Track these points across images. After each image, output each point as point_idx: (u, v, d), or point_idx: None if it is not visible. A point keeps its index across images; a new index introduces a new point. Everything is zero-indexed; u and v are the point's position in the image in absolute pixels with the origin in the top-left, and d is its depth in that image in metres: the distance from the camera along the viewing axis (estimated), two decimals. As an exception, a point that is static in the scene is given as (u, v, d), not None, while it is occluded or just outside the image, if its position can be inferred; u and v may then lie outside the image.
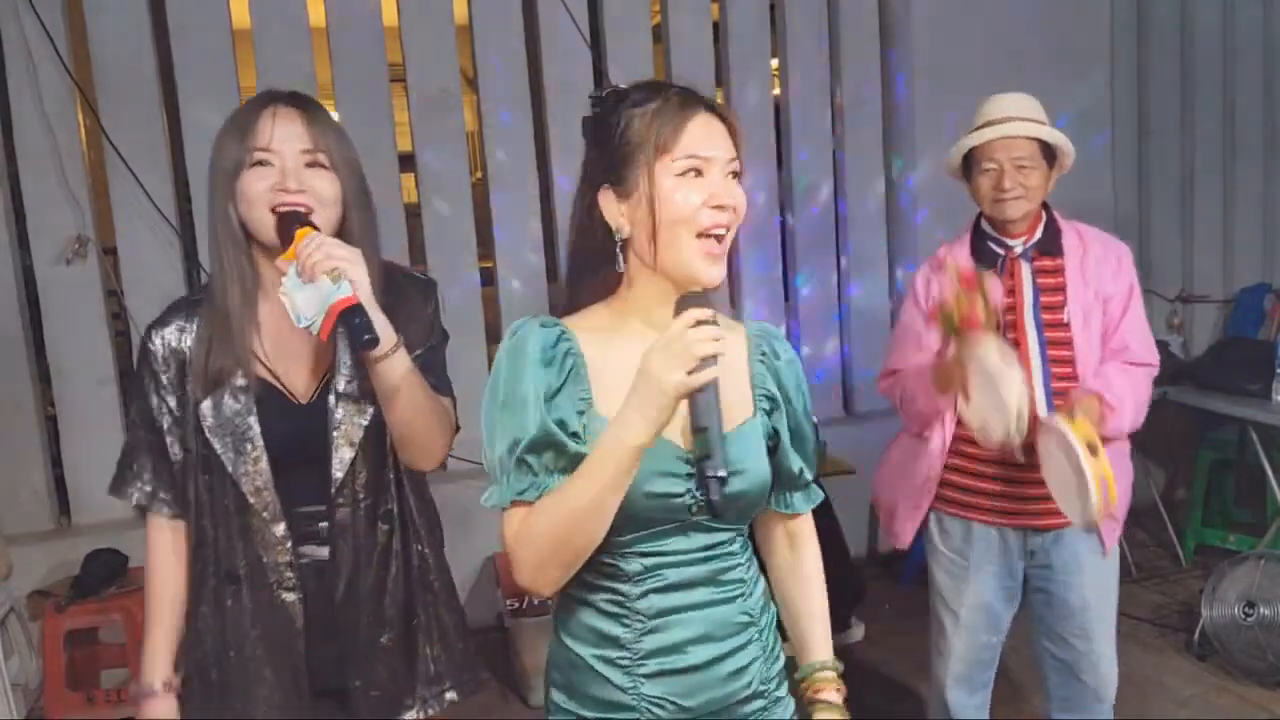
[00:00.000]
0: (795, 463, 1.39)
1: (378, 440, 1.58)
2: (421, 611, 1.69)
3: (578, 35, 3.89)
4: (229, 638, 1.59)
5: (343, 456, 1.55)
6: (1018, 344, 2.23)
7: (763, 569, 1.45)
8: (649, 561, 1.29)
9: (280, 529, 1.55)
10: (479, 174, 4.94)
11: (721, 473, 1.14)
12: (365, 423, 1.55)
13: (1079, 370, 2.24)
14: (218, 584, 1.58)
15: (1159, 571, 4.10)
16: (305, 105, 1.52)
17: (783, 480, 1.41)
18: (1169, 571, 4.09)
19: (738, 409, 1.32)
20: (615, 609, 1.30)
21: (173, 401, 1.56)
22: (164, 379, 1.55)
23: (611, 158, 1.28)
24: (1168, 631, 3.58)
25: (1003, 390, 1.96)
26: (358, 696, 1.62)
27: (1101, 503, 1.94)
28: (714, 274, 1.25)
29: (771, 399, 1.37)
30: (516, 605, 3.54)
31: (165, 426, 1.57)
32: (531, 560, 1.24)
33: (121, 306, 3.61)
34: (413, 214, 3.94)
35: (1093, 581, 2.32)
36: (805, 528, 1.48)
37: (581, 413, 1.27)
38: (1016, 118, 2.23)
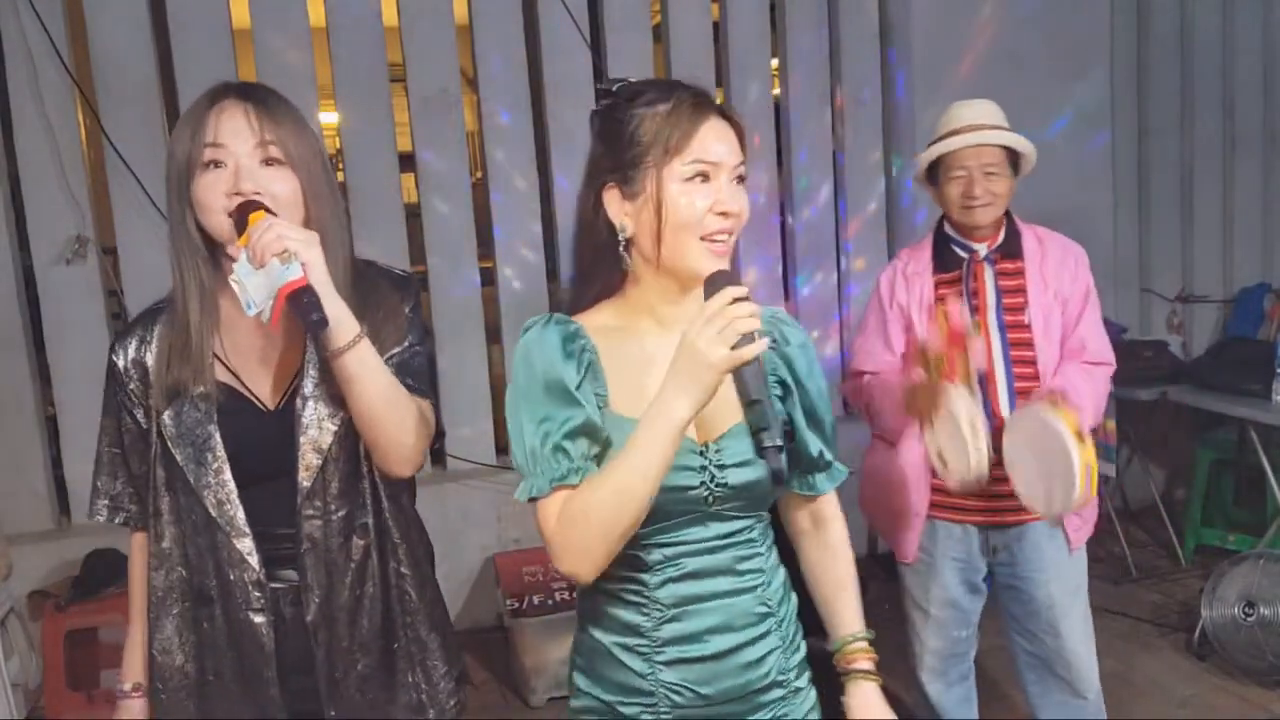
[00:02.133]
0: (813, 446, 1.41)
1: (351, 447, 1.47)
2: (401, 634, 1.56)
3: (578, 35, 3.89)
4: (205, 662, 1.51)
5: (310, 464, 1.44)
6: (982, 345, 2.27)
7: (786, 560, 1.47)
8: (668, 551, 1.31)
9: (246, 545, 1.45)
10: (479, 174, 4.94)
11: (779, 441, 1.13)
12: (335, 428, 1.45)
13: (1040, 369, 2.28)
14: (191, 605, 1.50)
15: (1159, 571, 4.10)
16: (256, 96, 1.42)
17: (802, 464, 1.42)
18: (1169, 571, 4.09)
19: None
20: (635, 598, 1.33)
21: (139, 414, 1.50)
22: (128, 391, 1.50)
23: (619, 157, 1.28)
24: (1168, 631, 3.58)
25: (970, 449, 2.03)
26: None
27: (1084, 490, 1.97)
28: (715, 268, 1.26)
29: (784, 385, 1.39)
30: (516, 605, 3.54)
31: (128, 442, 1.52)
32: (578, 544, 1.23)
33: (121, 306, 3.61)
34: (413, 214, 3.94)
35: (1058, 577, 2.34)
36: (829, 507, 1.49)
37: (599, 409, 1.29)
38: (985, 125, 2.27)
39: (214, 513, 1.45)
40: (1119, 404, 3.71)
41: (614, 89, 1.31)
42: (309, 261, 1.30)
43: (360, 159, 3.76)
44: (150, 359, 1.48)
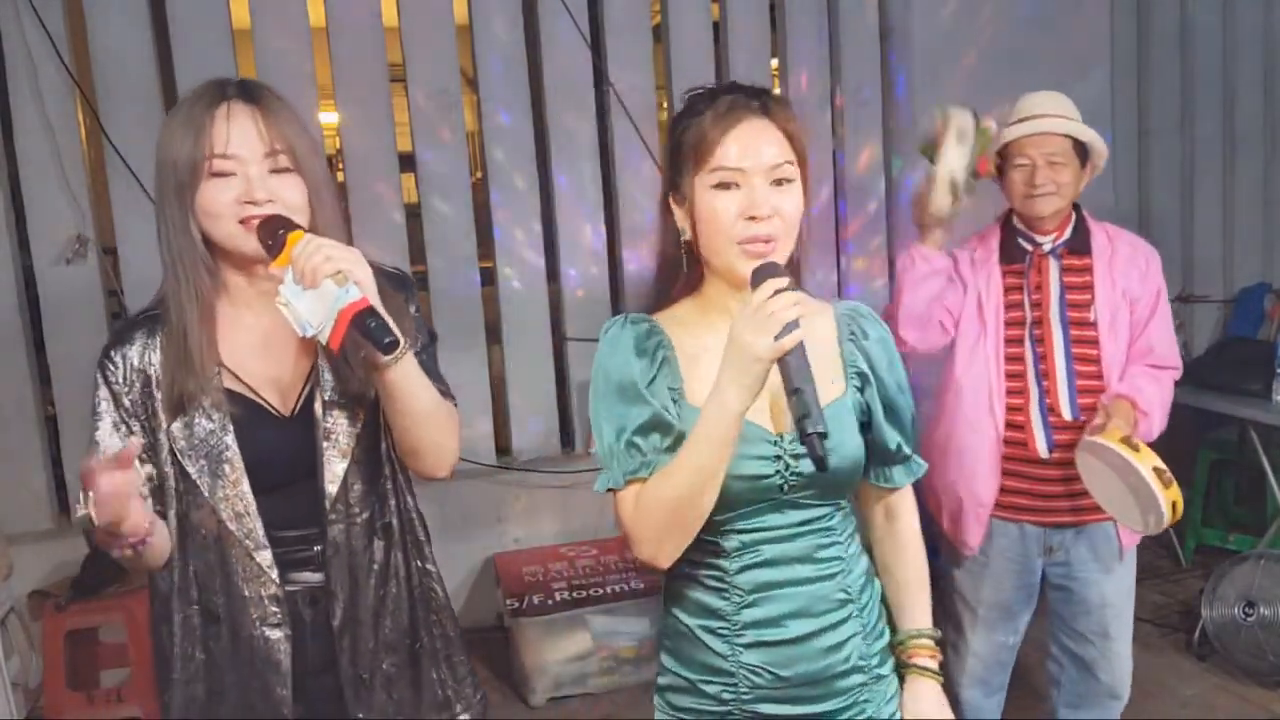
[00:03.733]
0: (891, 438, 1.43)
1: (372, 449, 1.48)
2: (424, 632, 1.56)
3: (578, 35, 3.89)
4: (213, 682, 1.47)
5: (335, 470, 1.43)
6: (1043, 340, 2.24)
7: (868, 546, 1.50)
8: (746, 538, 1.35)
9: (265, 558, 1.42)
10: (479, 174, 4.94)
11: (821, 428, 1.16)
12: (357, 431, 1.44)
13: (1104, 370, 2.24)
14: (200, 624, 1.45)
15: (1159, 571, 4.10)
16: (260, 98, 1.39)
17: (878, 455, 1.45)
18: (1169, 571, 4.09)
19: (826, 387, 1.35)
20: (716, 583, 1.38)
21: (136, 425, 1.42)
22: (125, 401, 1.42)
23: (673, 165, 1.36)
24: (1168, 631, 3.58)
25: (953, 122, 2.10)
26: None
27: (1172, 519, 2.04)
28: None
29: (863, 376, 1.41)
30: (516, 605, 3.53)
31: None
32: (652, 533, 1.30)
33: (122, 306, 3.60)
34: (413, 214, 3.94)
35: (1113, 578, 2.33)
36: (903, 501, 1.51)
37: (675, 402, 1.34)
38: (1051, 114, 2.23)
39: (231, 525, 1.41)
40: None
41: (686, 95, 1.38)
42: (361, 280, 1.28)
43: (360, 159, 3.76)
44: (153, 369, 1.42)
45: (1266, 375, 3.72)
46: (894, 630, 1.50)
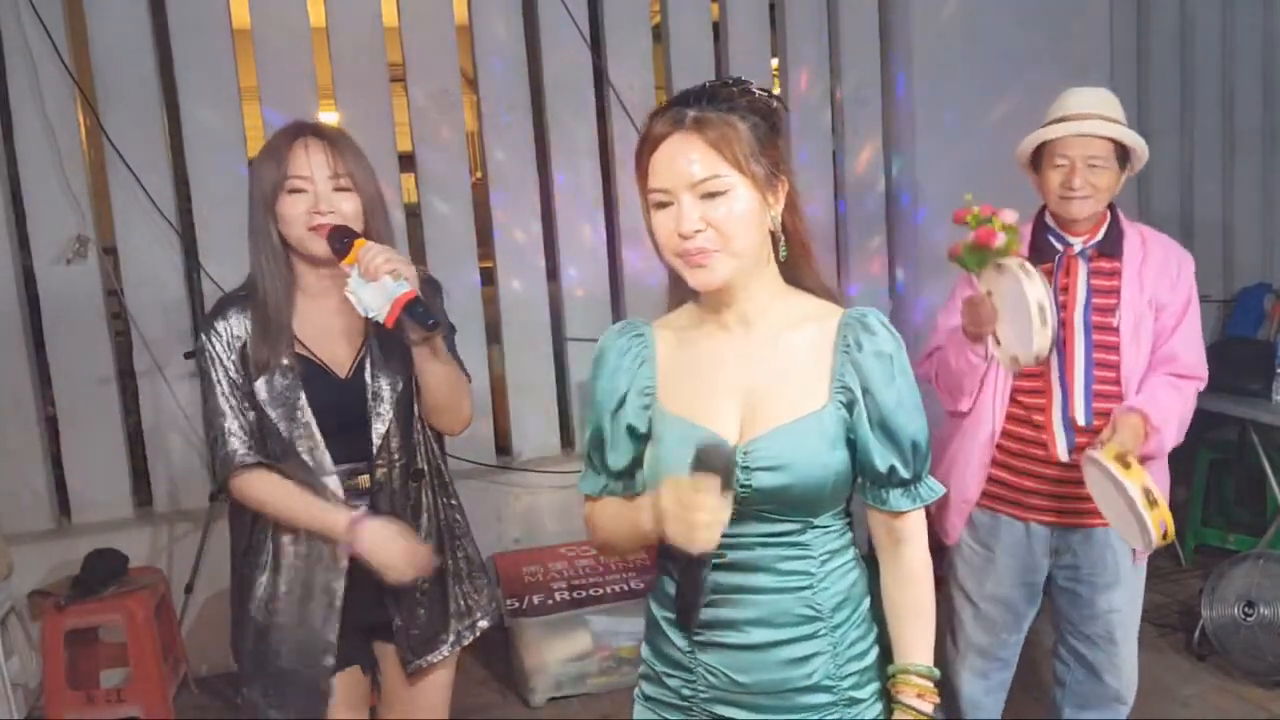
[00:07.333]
0: (882, 459, 1.34)
1: (408, 407, 1.88)
2: (449, 557, 1.98)
3: (578, 35, 3.89)
4: (281, 581, 1.87)
5: (381, 423, 1.84)
6: (1065, 343, 2.20)
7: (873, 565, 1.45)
8: None
9: (333, 481, 1.82)
10: (479, 174, 4.94)
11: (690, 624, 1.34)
12: (397, 394, 1.85)
13: (1122, 376, 2.20)
14: (275, 532, 1.86)
15: (1159, 571, 4.09)
16: (330, 136, 1.82)
17: (870, 476, 1.36)
18: (1169, 571, 4.09)
19: (804, 400, 1.33)
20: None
21: (238, 378, 1.82)
22: (228, 361, 1.82)
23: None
24: (1168, 631, 3.58)
25: (1034, 329, 1.89)
26: (400, 634, 1.93)
27: (1161, 539, 1.97)
28: (700, 279, 1.31)
29: (849, 391, 1.33)
30: (516, 605, 3.53)
31: (237, 398, 1.82)
32: (597, 544, 1.50)
33: (121, 306, 3.61)
34: (413, 214, 3.94)
35: (1122, 583, 2.30)
36: (908, 526, 1.40)
37: (647, 406, 1.38)
38: (1094, 115, 2.18)
39: (306, 457, 1.81)
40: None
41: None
42: (410, 277, 1.70)
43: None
44: (246, 336, 1.83)
45: (1266, 375, 3.72)
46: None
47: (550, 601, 3.53)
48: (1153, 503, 1.94)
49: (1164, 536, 1.97)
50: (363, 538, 1.78)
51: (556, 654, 3.36)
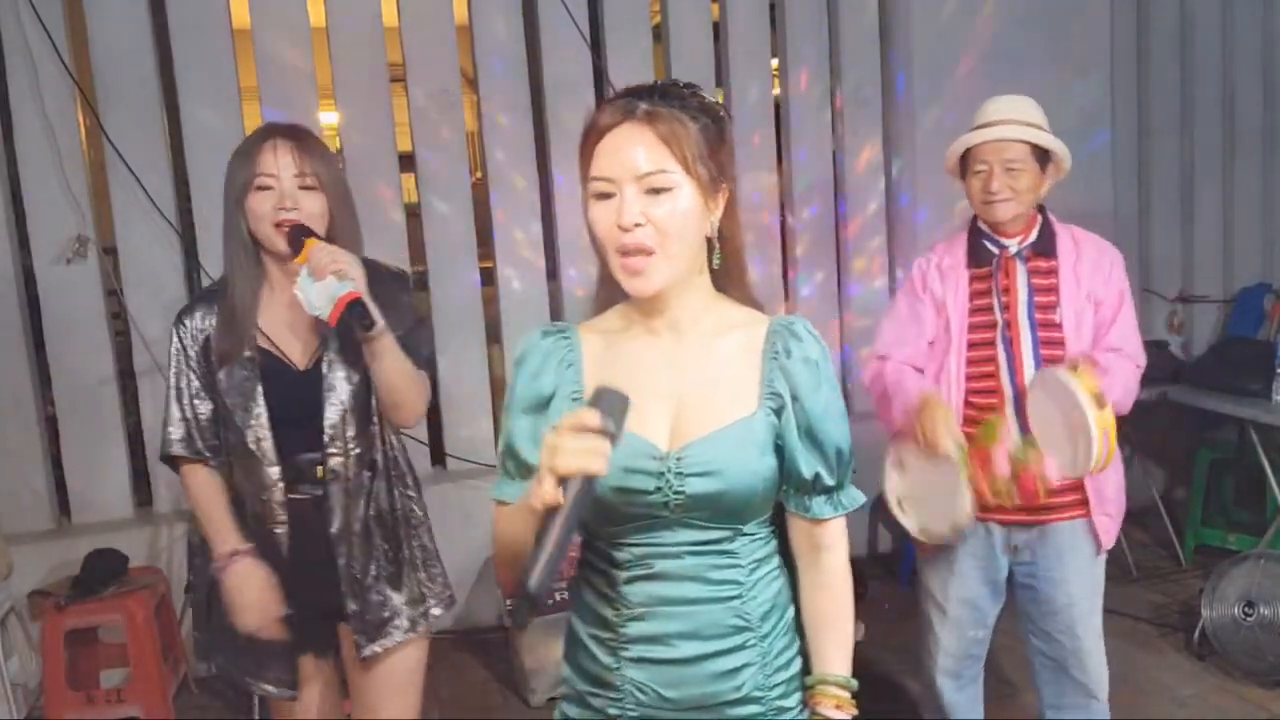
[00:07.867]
0: (807, 466, 1.32)
1: (364, 399, 1.95)
2: (405, 545, 2.05)
3: (578, 35, 3.89)
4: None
5: (334, 413, 1.92)
6: (1013, 342, 2.27)
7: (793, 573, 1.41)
8: (638, 551, 1.31)
9: (274, 472, 1.92)
10: (479, 174, 4.94)
11: (531, 586, 1.08)
12: (353, 386, 1.93)
13: None
14: (241, 515, 1.97)
15: (1159, 571, 4.10)
16: (298, 136, 1.90)
17: (794, 483, 1.35)
18: (1169, 571, 4.09)
19: (733, 407, 1.31)
20: (608, 592, 1.34)
21: (198, 370, 1.94)
22: (191, 353, 1.94)
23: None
24: (1168, 631, 3.58)
25: (959, 503, 2.13)
26: (355, 619, 1.98)
27: (1103, 454, 1.99)
28: (636, 286, 1.26)
29: (778, 397, 1.32)
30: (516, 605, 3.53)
31: (194, 391, 1.95)
32: (495, 552, 1.37)
33: (121, 306, 3.61)
34: (413, 214, 3.94)
35: (1078, 578, 2.34)
36: (828, 534, 1.38)
37: (572, 409, 1.30)
38: (1010, 120, 2.25)
39: (253, 447, 1.91)
40: (1119, 404, 3.71)
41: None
42: (355, 278, 1.79)
43: (360, 159, 3.76)
44: (210, 330, 1.93)
45: (1266, 375, 3.72)
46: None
47: (550, 602, 3.53)
48: (1101, 405, 1.98)
49: (1107, 446, 1.99)
50: (227, 573, 1.92)
51: (556, 654, 3.34)
